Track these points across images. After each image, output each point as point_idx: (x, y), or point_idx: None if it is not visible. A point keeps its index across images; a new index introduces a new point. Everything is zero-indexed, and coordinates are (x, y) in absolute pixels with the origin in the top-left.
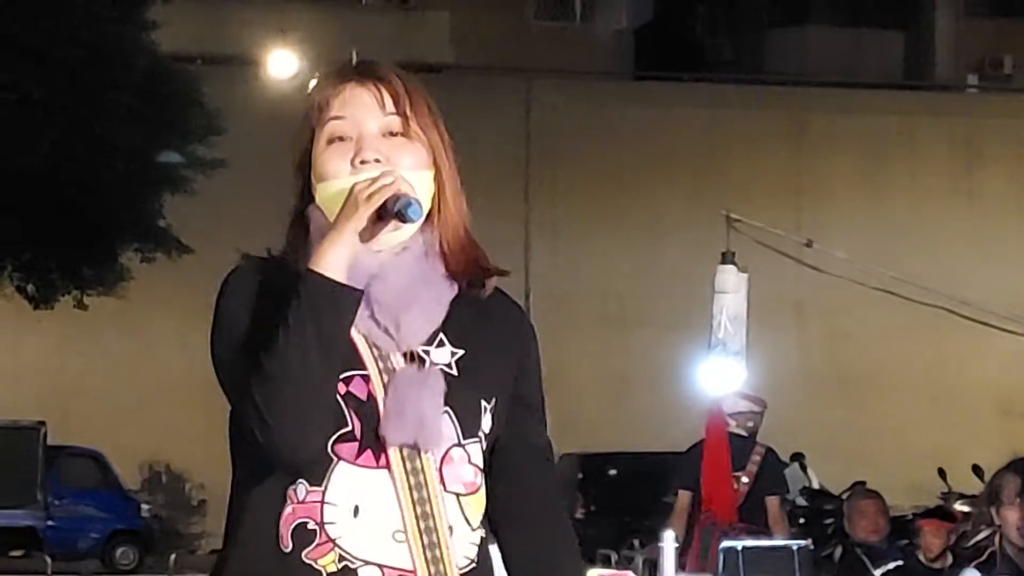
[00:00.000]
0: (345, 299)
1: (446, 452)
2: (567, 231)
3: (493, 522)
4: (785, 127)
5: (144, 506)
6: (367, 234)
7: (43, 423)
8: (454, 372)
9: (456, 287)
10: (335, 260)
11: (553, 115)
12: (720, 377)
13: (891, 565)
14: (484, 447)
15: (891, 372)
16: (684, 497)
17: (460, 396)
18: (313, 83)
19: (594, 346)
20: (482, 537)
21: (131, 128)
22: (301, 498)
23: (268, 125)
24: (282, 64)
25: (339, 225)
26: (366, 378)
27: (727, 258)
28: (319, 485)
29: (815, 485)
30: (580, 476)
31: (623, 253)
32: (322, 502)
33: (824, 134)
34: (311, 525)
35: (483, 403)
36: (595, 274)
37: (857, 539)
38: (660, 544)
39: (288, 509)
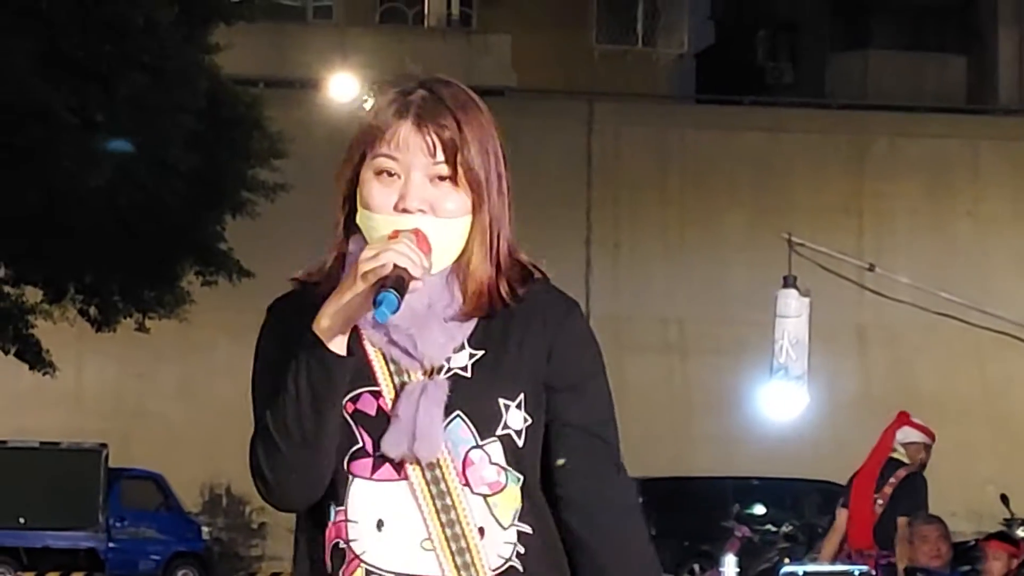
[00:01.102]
0: (334, 366)
1: (465, 455)
2: (628, 254)
3: (561, 512)
4: (847, 151)
5: (205, 528)
6: (365, 305)
7: (105, 445)
8: (468, 375)
9: (488, 307)
10: (332, 324)
11: (614, 138)
12: (782, 402)
13: None
14: (516, 443)
15: (953, 397)
16: (842, 515)
17: (473, 398)
18: (371, 99)
19: (655, 370)
20: (521, 532)
21: (193, 151)
22: (332, 519)
23: (330, 148)
24: (344, 87)
25: (340, 290)
26: (376, 394)
27: (789, 282)
28: (342, 505)
29: None
30: (641, 500)
31: (684, 277)
32: (346, 520)
33: (886, 158)
34: (341, 545)
35: (503, 401)
36: (656, 298)
37: (919, 564)
38: (720, 569)
39: (328, 531)
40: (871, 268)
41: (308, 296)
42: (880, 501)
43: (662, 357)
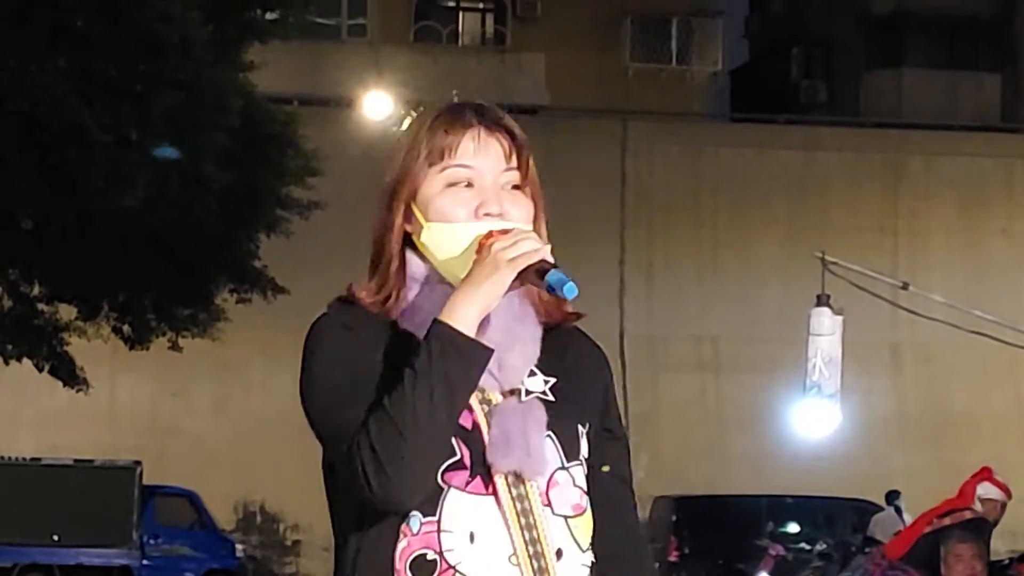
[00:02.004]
0: (477, 356)
1: (551, 476)
2: (662, 272)
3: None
4: (881, 169)
5: (239, 546)
6: (499, 294)
7: (139, 463)
8: (551, 398)
9: (541, 325)
10: (468, 315)
11: (648, 157)
12: (815, 420)
13: None
14: (585, 470)
15: (987, 415)
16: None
17: (560, 421)
18: (410, 120)
19: (689, 389)
20: (592, 560)
21: (228, 169)
22: (415, 531)
23: (364, 166)
24: (378, 105)
25: (476, 280)
26: (469, 408)
27: (822, 300)
28: (433, 515)
29: None
30: (674, 519)
31: (718, 295)
32: (438, 531)
33: (920, 176)
34: (431, 555)
35: (580, 427)
36: (690, 316)
37: None
38: None
39: (403, 544)
40: (905, 286)
41: (361, 311)
42: (933, 526)
43: (696, 376)
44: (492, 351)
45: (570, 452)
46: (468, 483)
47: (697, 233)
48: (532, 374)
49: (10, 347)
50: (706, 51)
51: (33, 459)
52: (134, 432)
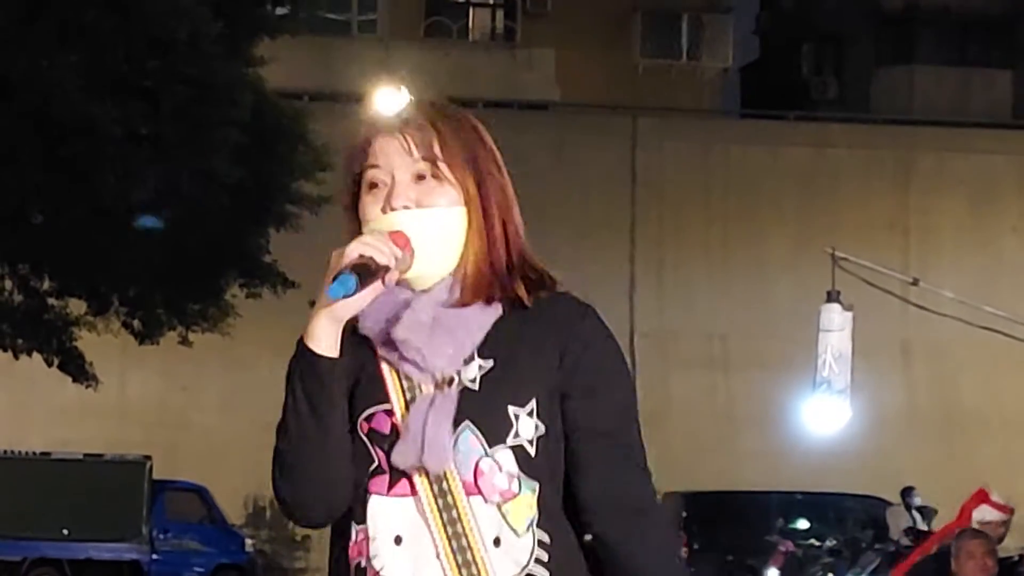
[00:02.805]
0: (319, 364)
1: (476, 465)
2: (672, 269)
3: (580, 516)
4: (892, 166)
5: (248, 541)
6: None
7: (149, 457)
8: (475, 387)
9: (498, 309)
10: (316, 328)
11: (658, 153)
12: (825, 416)
13: None
14: (528, 452)
15: (998, 412)
16: None
17: (481, 408)
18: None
19: (699, 385)
20: (541, 540)
21: (238, 165)
22: (354, 539)
23: None
24: (388, 101)
25: (321, 293)
26: (389, 412)
27: (832, 296)
28: (364, 523)
29: (920, 525)
30: (684, 515)
31: (728, 291)
32: (367, 538)
33: (931, 173)
34: (363, 563)
35: (513, 409)
36: (700, 312)
37: None
38: None
39: (350, 550)
40: (915, 282)
41: None
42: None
43: (706, 372)
44: (341, 360)
45: (493, 438)
46: (391, 487)
47: (707, 229)
48: (469, 360)
49: (20, 341)
50: (716, 47)
51: (43, 453)
52: (144, 427)
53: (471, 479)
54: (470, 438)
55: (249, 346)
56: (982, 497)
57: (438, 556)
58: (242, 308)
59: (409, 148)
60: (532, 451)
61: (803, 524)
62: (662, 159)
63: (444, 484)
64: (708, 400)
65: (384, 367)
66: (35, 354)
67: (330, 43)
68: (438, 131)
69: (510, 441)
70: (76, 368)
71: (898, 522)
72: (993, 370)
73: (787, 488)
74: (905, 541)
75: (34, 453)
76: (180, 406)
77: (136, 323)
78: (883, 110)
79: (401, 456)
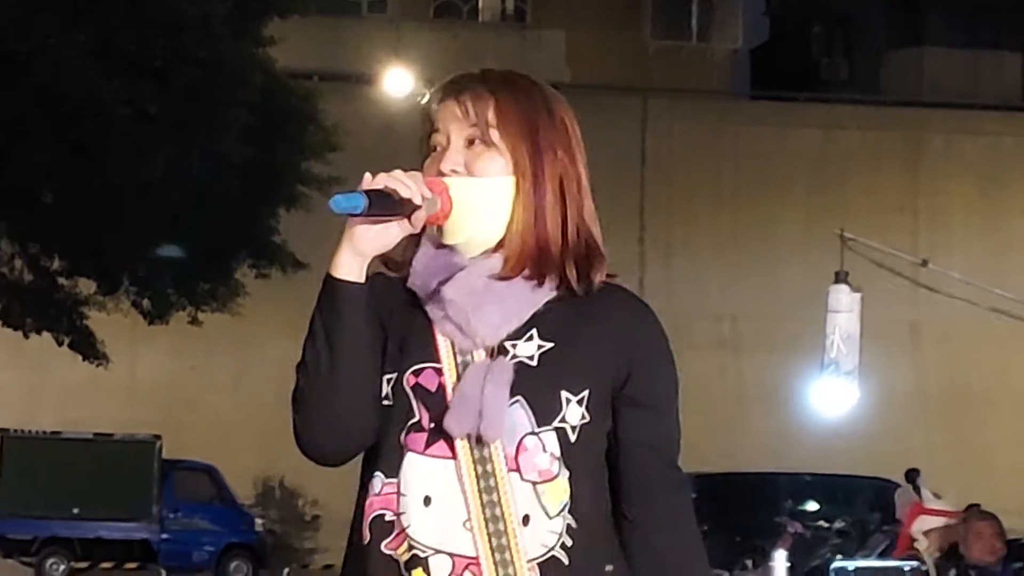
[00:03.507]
0: (337, 291)
1: (520, 441)
2: (682, 251)
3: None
4: (901, 148)
5: (258, 520)
6: (363, 233)
7: (159, 437)
8: (533, 364)
9: (551, 290)
10: (338, 257)
11: (668, 134)
12: (833, 397)
13: None
14: (569, 438)
15: (1006, 392)
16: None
17: (535, 386)
18: (426, 96)
19: (708, 367)
20: (569, 525)
21: (247, 144)
22: (377, 491)
23: (384, 142)
24: (398, 81)
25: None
26: (439, 371)
27: (840, 277)
28: (395, 477)
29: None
30: (693, 495)
31: (737, 273)
32: (397, 493)
33: (941, 155)
34: (388, 516)
35: (565, 394)
36: (709, 294)
37: (972, 561)
38: (771, 564)
39: (368, 502)
40: (924, 264)
41: (381, 279)
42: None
43: (715, 354)
44: (358, 286)
45: (543, 418)
46: (428, 446)
47: (717, 211)
48: (528, 339)
49: (30, 321)
50: (727, 29)
51: (53, 433)
52: (154, 406)
53: (512, 454)
54: (519, 413)
55: (258, 326)
56: (918, 510)
57: (469, 524)
58: (251, 288)
59: (465, 112)
60: (573, 437)
61: (812, 506)
62: (672, 140)
63: (486, 452)
64: (717, 381)
65: (437, 327)
66: (45, 333)
67: (340, 23)
68: (496, 98)
69: (556, 423)
70: (87, 347)
71: (902, 503)
72: (1001, 352)
73: (795, 469)
74: None
75: (44, 433)
76: (190, 386)
77: (146, 303)
78: (893, 92)
79: (456, 422)
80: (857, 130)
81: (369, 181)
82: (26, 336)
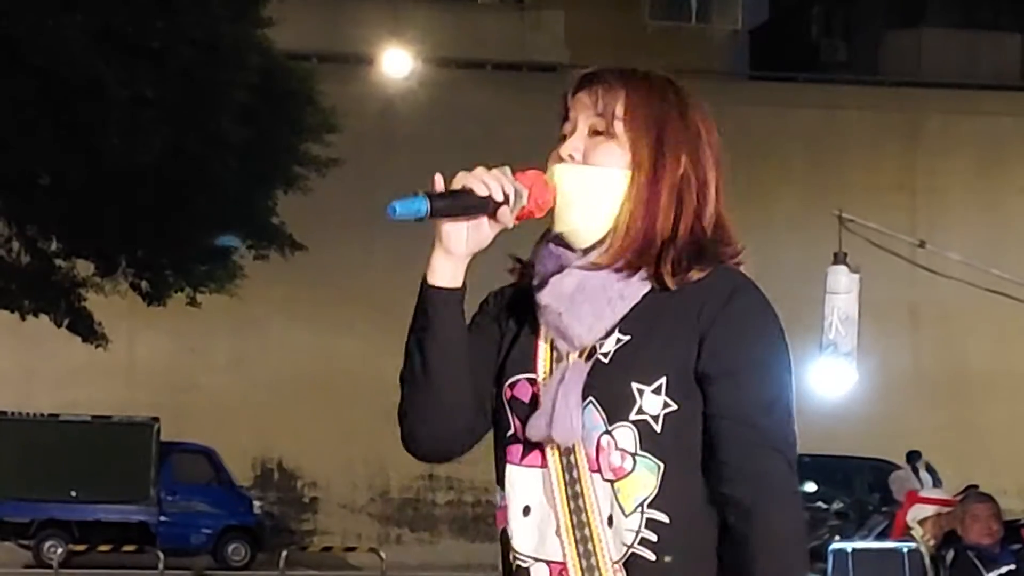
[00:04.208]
0: (427, 296)
1: (597, 441)
2: None
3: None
4: (900, 128)
5: (256, 503)
6: (451, 234)
7: (157, 419)
8: (607, 361)
9: (647, 284)
10: (432, 260)
11: None
12: (831, 378)
13: (1003, 569)
14: (654, 428)
15: (1005, 374)
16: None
17: (605, 383)
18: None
19: None
20: (652, 519)
21: (245, 126)
22: (499, 505)
23: (382, 123)
24: (397, 63)
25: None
26: (532, 381)
27: (839, 258)
28: (504, 490)
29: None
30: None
31: None
32: (506, 505)
33: (939, 135)
34: (508, 529)
35: (637, 386)
36: None
37: (970, 543)
38: None
39: (499, 515)
40: (922, 244)
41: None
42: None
43: None
44: (446, 289)
45: (614, 414)
46: (523, 457)
47: None
48: (611, 334)
49: (27, 303)
50: (726, 9)
51: (51, 415)
52: (152, 388)
53: (594, 455)
54: (593, 413)
55: (257, 308)
56: (913, 498)
57: (559, 531)
58: (250, 270)
59: (594, 101)
60: (658, 427)
61: (810, 486)
62: None
63: (572, 458)
64: None
65: (540, 333)
66: (42, 316)
67: (338, 4)
68: (627, 92)
69: (632, 416)
70: (85, 329)
71: (903, 486)
72: (1000, 333)
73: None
74: None
75: (42, 415)
76: (188, 368)
77: (144, 284)
78: (892, 72)
79: (533, 428)
80: (856, 110)
81: (440, 183)
82: (23, 318)
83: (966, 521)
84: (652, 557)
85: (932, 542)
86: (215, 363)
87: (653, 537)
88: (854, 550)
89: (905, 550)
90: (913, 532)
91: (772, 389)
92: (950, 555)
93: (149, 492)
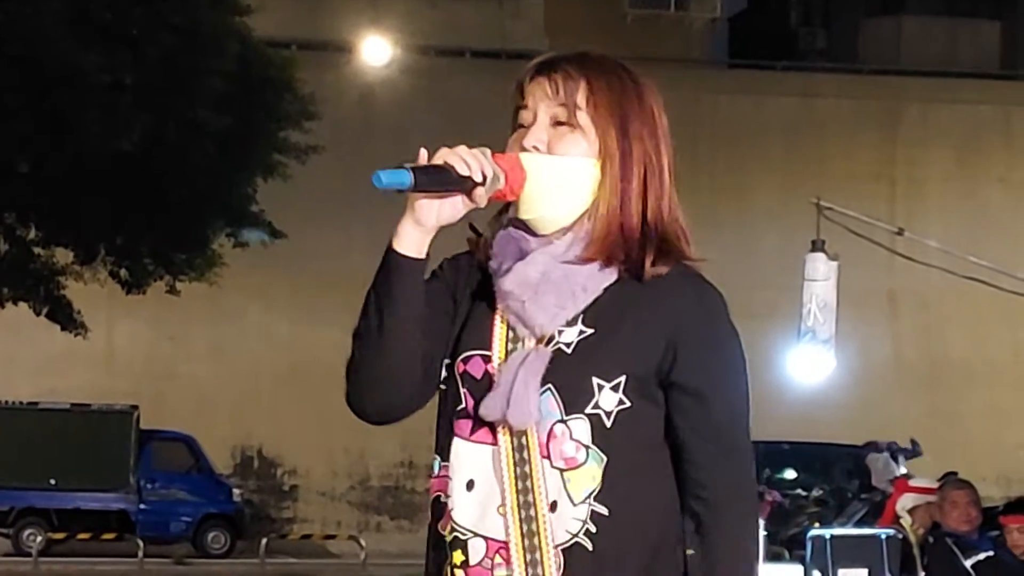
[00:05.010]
0: (390, 261)
1: (550, 428)
2: None
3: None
4: (879, 116)
5: (235, 491)
6: (424, 207)
7: (136, 407)
8: (569, 351)
9: (613, 274)
10: (399, 227)
11: None
12: (810, 366)
13: (981, 556)
14: (604, 423)
15: (983, 361)
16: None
17: (566, 374)
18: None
19: None
20: (595, 512)
21: (224, 113)
22: (436, 473)
23: (361, 111)
24: (376, 50)
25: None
26: (486, 358)
27: (817, 246)
28: (447, 461)
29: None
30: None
31: (714, 240)
32: (448, 476)
33: (918, 123)
34: (442, 498)
35: (597, 381)
36: None
37: (948, 529)
38: None
39: (430, 484)
40: (900, 232)
41: (465, 258)
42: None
43: None
44: (411, 257)
45: (572, 405)
46: (473, 432)
47: (694, 180)
48: (574, 325)
49: (6, 290)
50: None
51: (30, 403)
52: (131, 376)
53: (544, 441)
54: (550, 401)
55: (237, 296)
56: (903, 487)
57: (504, 510)
58: (229, 258)
59: (555, 91)
60: (608, 423)
61: (789, 474)
62: None
63: (523, 440)
64: None
65: (497, 313)
66: (21, 304)
67: None
68: (588, 81)
69: (588, 409)
70: (64, 317)
71: (883, 472)
72: (978, 320)
73: (772, 438)
74: (891, 490)
75: (21, 403)
76: (168, 356)
77: (123, 273)
78: (871, 60)
79: (488, 408)
80: (834, 98)
81: (424, 157)
82: (2, 306)
83: (945, 507)
84: (591, 547)
85: (921, 531)
86: (195, 351)
87: (595, 529)
88: (832, 536)
89: (883, 536)
90: (903, 521)
91: (739, 406)
92: (929, 540)
93: (128, 480)
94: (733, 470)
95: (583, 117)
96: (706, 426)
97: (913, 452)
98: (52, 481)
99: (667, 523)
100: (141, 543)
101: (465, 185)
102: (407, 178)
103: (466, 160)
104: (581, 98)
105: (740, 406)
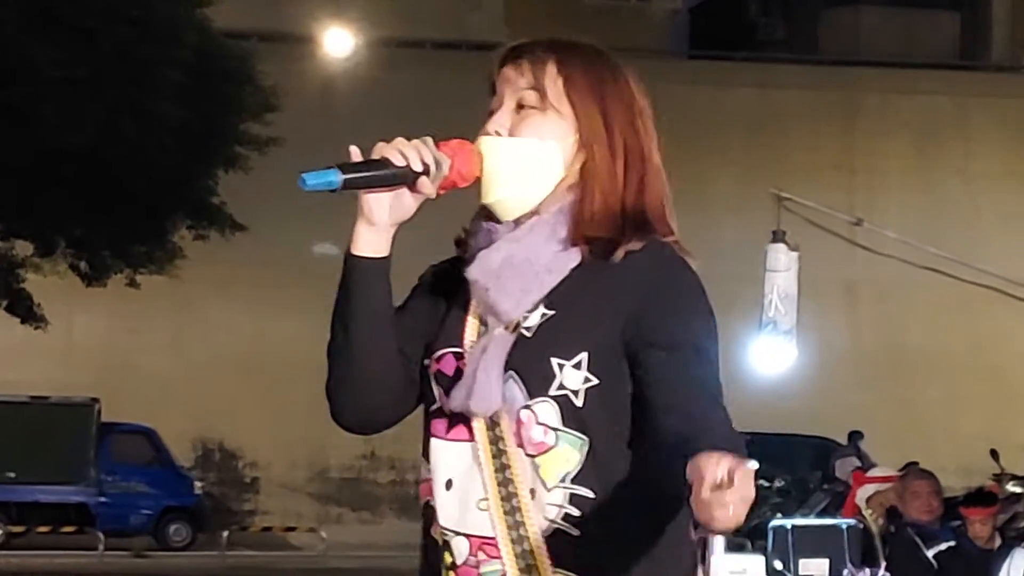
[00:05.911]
0: (349, 267)
1: (517, 415)
2: None
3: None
4: (838, 107)
5: (196, 483)
6: (372, 205)
7: (97, 400)
8: (529, 335)
9: (577, 256)
10: (355, 230)
11: None
12: (771, 356)
13: (943, 546)
14: (574, 403)
15: (942, 351)
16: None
17: (526, 357)
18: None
19: None
20: (576, 495)
21: (183, 106)
22: (423, 478)
23: (323, 103)
24: (337, 42)
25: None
26: (458, 355)
27: (778, 236)
28: (429, 463)
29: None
30: None
31: None
32: (431, 479)
33: (877, 114)
34: (431, 502)
35: (557, 361)
36: None
37: (910, 519)
38: None
39: (421, 488)
40: (859, 223)
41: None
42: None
43: None
44: (369, 259)
45: (535, 389)
46: (449, 430)
47: None
48: (536, 308)
49: None
50: None
51: None
52: (91, 369)
53: (515, 429)
54: (513, 387)
55: (197, 288)
56: (860, 479)
57: (485, 503)
58: (190, 250)
59: (522, 75)
60: (579, 401)
61: (751, 464)
62: None
63: (498, 431)
64: None
65: (471, 308)
66: None
67: None
68: (560, 64)
69: (553, 391)
70: (23, 310)
71: (846, 466)
72: (937, 311)
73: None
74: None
75: None
76: (127, 348)
77: (83, 265)
78: (829, 51)
79: (453, 399)
80: (794, 89)
81: (356, 154)
82: None
83: (906, 498)
84: (575, 532)
85: (880, 520)
86: (155, 344)
87: (576, 512)
88: (794, 527)
89: (844, 527)
90: (865, 513)
91: (711, 352)
92: (891, 530)
93: (88, 473)
94: (718, 413)
95: (556, 100)
96: (682, 378)
97: (859, 435)
98: (11, 474)
99: (664, 501)
100: (101, 536)
101: (407, 177)
102: (334, 177)
103: (402, 151)
104: (551, 81)
105: (712, 352)
